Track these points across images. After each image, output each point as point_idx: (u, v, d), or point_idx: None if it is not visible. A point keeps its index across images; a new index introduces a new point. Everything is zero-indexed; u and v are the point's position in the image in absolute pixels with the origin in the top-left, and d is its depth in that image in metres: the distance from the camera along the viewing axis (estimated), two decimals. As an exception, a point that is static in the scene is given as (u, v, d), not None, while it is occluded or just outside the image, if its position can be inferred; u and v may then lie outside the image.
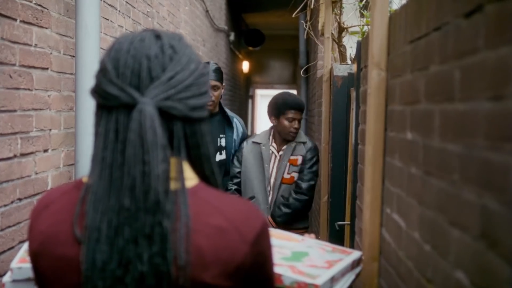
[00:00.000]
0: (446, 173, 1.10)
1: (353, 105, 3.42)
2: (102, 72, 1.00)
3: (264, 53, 13.90)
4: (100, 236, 0.94)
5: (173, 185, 0.96)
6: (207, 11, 6.78)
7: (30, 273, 1.28)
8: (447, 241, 1.08)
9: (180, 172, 0.98)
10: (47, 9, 2.15)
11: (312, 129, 6.34)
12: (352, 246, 2.45)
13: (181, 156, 0.99)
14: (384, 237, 1.69)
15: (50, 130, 2.21)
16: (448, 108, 1.10)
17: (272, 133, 3.55)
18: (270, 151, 3.48)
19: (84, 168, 2.30)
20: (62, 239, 0.99)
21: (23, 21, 1.95)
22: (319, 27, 5.49)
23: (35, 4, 2.04)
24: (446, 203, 1.10)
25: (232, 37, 9.79)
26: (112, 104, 0.98)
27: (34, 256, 1.02)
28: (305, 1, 5.08)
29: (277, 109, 3.44)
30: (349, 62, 4.65)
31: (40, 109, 2.12)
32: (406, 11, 1.49)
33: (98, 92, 1.00)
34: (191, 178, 1.02)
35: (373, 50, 1.72)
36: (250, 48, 11.89)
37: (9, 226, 1.90)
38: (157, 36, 1.03)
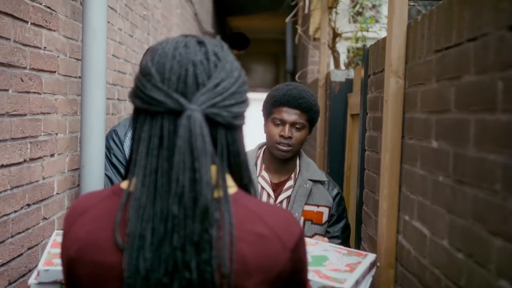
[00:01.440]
0: (485, 183, 1.11)
1: (350, 111, 3.45)
2: (146, 77, 0.99)
3: (246, 56, 13.90)
4: (144, 243, 0.92)
5: (215, 193, 0.95)
6: (195, 14, 6.76)
7: (56, 276, 1.28)
8: (486, 250, 1.09)
9: (224, 179, 0.97)
10: (56, 12, 2.12)
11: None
12: (357, 251, 2.45)
13: (223, 163, 0.99)
14: (401, 244, 1.70)
15: (57, 134, 2.18)
16: (487, 118, 1.11)
17: (262, 154, 2.20)
18: (258, 185, 2.09)
19: (90, 173, 2.27)
20: (102, 246, 0.97)
21: (33, 24, 1.92)
22: (311, 32, 5.52)
23: (44, 6, 2.01)
24: (485, 212, 1.11)
25: (217, 40, 9.76)
26: (156, 110, 0.96)
27: (70, 262, 1.00)
28: (297, 6, 5.11)
29: (265, 109, 2.17)
30: (342, 67, 4.68)
31: (48, 113, 2.08)
32: (431, 20, 1.50)
33: (140, 97, 0.99)
34: (231, 186, 1.02)
35: (391, 58, 1.73)
36: (236, 52, 11.88)
37: (19, 233, 1.86)
38: (200, 42, 1.02)
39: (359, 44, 4.50)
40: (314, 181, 2.15)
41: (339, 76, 3.59)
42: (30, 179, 1.94)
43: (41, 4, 1.98)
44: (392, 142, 1.74)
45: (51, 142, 2.12)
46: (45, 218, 2.09)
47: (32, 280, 1.31)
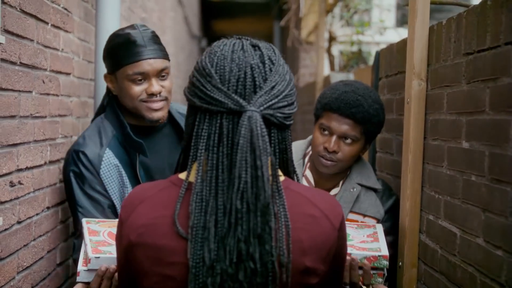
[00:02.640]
0: (529, 181, 1.15)
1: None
2: (206, 78, 1.04)
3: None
4: (209, 235, 0.98)
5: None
6: (185, 17, 6.76)
7: (105, 263, 1.34)
8: (532, 246, 1.13)
9: (277, 175, 1.04)
10: (71, 13, 2.11)
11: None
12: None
13: (276, 160, 1.06)
14: (425, 243, 1.73)
15: (71, 136, 2.16)
16: (531, 119, 1.15)
17: (310, 150, 1.91)
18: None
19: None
20: (164, 231, 1.02)
21: (53, 25, 1.91)
22: (303, 36, 5.56)
23: (62, 8, 2.00)
24: (529, 209, 1.14)
25: (203, 44, 9.79)
26: (216, 109, 1.02)
27: (130, 247, 1.05)
28: (290, 10, 5.15)
29: (315, 109, 1.85)
30: (336, 70, 4.74)
31: (64, 115, 2.07)
32: (459, 24, 1.53)
33: (200, 96, 1.04)
34: (280, 175, 1.10)
35: (414, 60, 1.76)
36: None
37: (40, 236, 1.84)
38: (254, 46, 1.09)
39: (354, 48, 4.56)
40: (365, 187, 1.81)
41: (338, 79, 3.62)
42: (50, 181, 1.93)
43: (59, 5, 1.97)
44: (414, 143, 1.77)
45: (67, 145, 2.11)
46: (62, 222, 2.07)
47: (81, 267, 1.36)
